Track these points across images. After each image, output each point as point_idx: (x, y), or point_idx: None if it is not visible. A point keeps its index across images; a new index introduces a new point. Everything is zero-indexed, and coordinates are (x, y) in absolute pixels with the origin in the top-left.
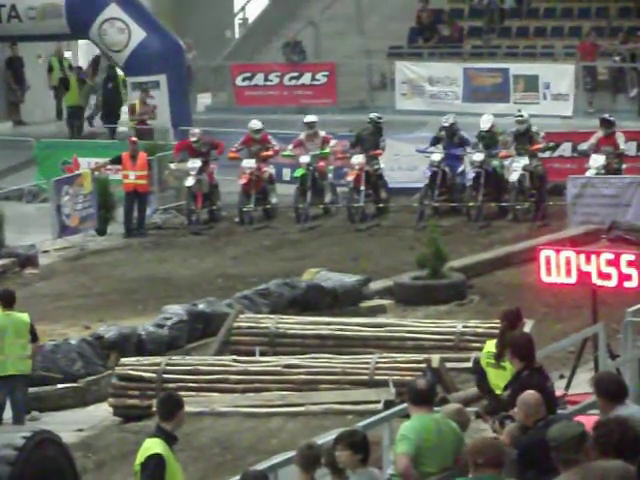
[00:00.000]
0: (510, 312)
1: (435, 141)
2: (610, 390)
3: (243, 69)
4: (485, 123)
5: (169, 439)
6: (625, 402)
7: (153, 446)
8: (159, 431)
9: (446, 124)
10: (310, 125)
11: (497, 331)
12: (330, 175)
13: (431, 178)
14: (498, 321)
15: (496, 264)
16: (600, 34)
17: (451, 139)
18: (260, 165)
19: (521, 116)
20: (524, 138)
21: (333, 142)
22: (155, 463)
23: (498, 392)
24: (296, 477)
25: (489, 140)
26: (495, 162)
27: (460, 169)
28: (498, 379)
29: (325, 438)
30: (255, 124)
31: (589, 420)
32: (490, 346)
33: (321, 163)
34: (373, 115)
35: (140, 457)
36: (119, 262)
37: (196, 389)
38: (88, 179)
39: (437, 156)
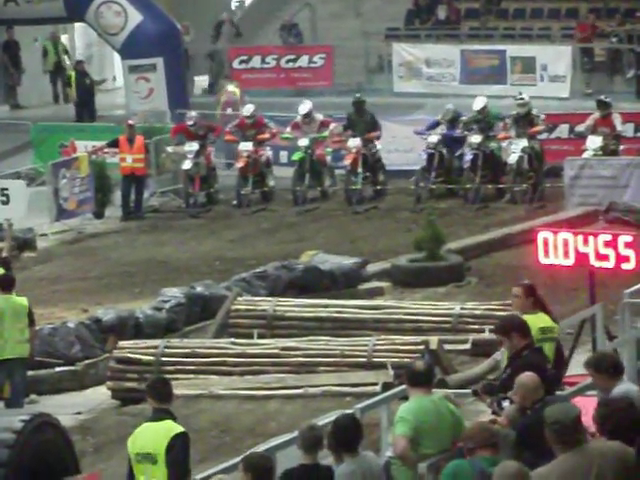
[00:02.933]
0: (532, 287)
1: (436, 124)
2: (610, 367)
3: (240, 52)
4: (477, 103)
5: (175, 420)
6: (622, 378)
7: (173, 426)
8: (166, 413)
9: (448, 117)
10: (305, 115)
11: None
12: (328, 158)
13: (428, 160)
14: (496, 303)
15: (494, 246)
16: (597, 15)
17: (453, 126)
18: (257, 148)
19: (522, 99)
20: (524, 121)
21: (332, 125)
22: (186, 440)
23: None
24: (298, 459)
25: (483, 122)
26: (493, 144)
27: (459, 152)
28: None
29: (323, 420)
30: (247, 110)
31: (587, 401)
32: (535, 324)
33: (319, 147)
34: (356, 96)
35: (161, 439)
36: (117, 245)
37: (194, 372)
38: (85, 162)
39: (434, 138)
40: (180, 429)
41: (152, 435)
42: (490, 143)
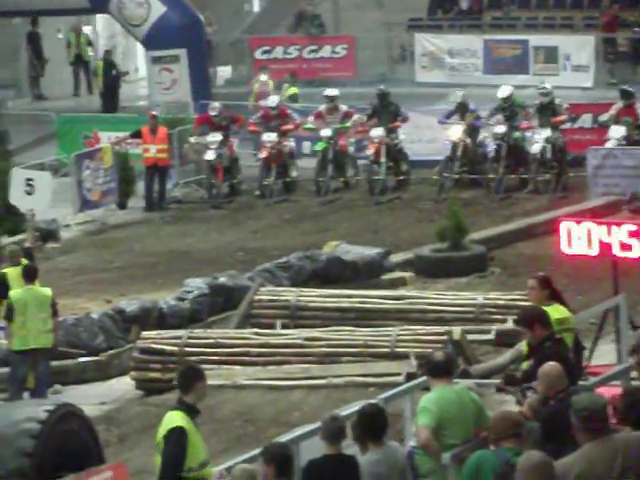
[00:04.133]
0: (548, 279)
1: (452, 113)
2: None
3: (262, 42)
4: (503, 91)
5: (191, 411)
6: None
7: (175, 419)
8: (180, 404)
9: (458, 100)
10: (331, 99)
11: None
12: (351, 149)
13: (452, 150)
14: (519, 293)
15: (517, 236)
16: (620, 5)
17: (463, 114)
18: (281, 139)
19: (545, 88)
20: (547, 110)
21: (356, 117)
22: (177, 436)
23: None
24: (321, 449)
25: (508, 111)
26: (516, 134)
27: (478, 139)
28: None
29: (347, 410)
30: (272, 100)
31: (611, 391)
32: (551, 315)
33: (342, 138)
34: (380, 87)
35: (162, 430)
36: (140, 236)
37: (217, 362)
38: (109, 153)
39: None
40: (176, 424)
41: (161, 425)
42: (513, 134)
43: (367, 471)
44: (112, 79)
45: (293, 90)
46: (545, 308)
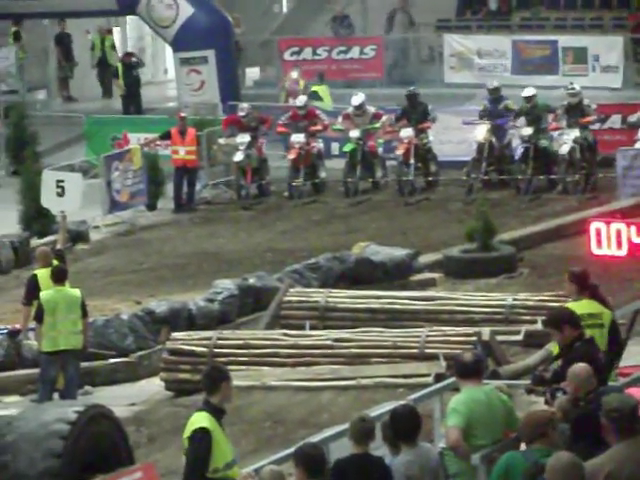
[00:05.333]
0: (577, 274)
1: (481, 115)
2: None
3: (291, 43)
4: (526, 92)
5: (216, 412)
6: None
7: (199, 420)
8: (205, 405)
9: (491, 87)
10: (358, 107)
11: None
12: (380, 149)
13: (478, 150)
14: (549, 294)
15: (546, 237)
16: None
17: (496, 106)
18: (309, 140)
19: (573, 89)
20: (576, 111)
21: (385, 118)
22: (200, 436)
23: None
24: (348, 450)
25: (532, 114)
26: (544, 141)
27: (506, 140)
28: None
29: (376, 411)
30: (300, 100)
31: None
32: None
33: (371, 138)
34: (410, 89)
35: (187, 431)
36: (169, 237)
37: (247, 363)
38: (138, 155)
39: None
40: (200, 425)
41: (187, 426)
42: (541, 139)
43: (399, 472)
44: (133, 81)
45: (318, 88)
46: (572, 303)
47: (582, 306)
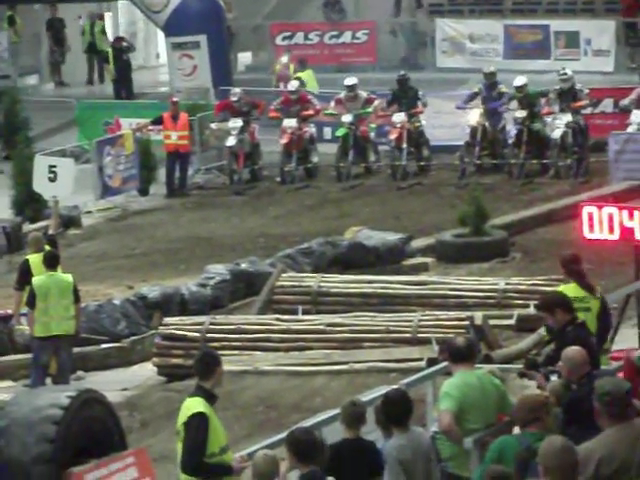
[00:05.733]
0: (562, 258)
1: (472, 97)
2: None
3: (283, 28)
4: (518, 81)
5: (209, 397)
6: None
7: (195, 405)
8: (199, 390)
9: (487, 71)
10: (350, 88)
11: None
12: (372, 134)
13: (471, 134)
14: (541, 278)
15: (538, 221)
16: None
17: (490, 92)
18: (301, 125)
19: (565, 74)
20: (568, 95)
21: (377, 102)
22: (199, 422)
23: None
24: (341, 434)
25: (524, 100)
26: (537, 125)
27: (501, 125)
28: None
29: (369, 396)
30: (292, 85)
31: None
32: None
33: (363, 123)
34: (400, 73)
35: (182, 417)
36: (161, 222)
37: (239, 348)
38: (130, 140)
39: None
40: (197, 409)
41: (181, 412)
42: (534, 122)
43: (392, 456)
44: (123, 65)
45: (302, 74)
46: (563, 286)
47: (570, 289)
